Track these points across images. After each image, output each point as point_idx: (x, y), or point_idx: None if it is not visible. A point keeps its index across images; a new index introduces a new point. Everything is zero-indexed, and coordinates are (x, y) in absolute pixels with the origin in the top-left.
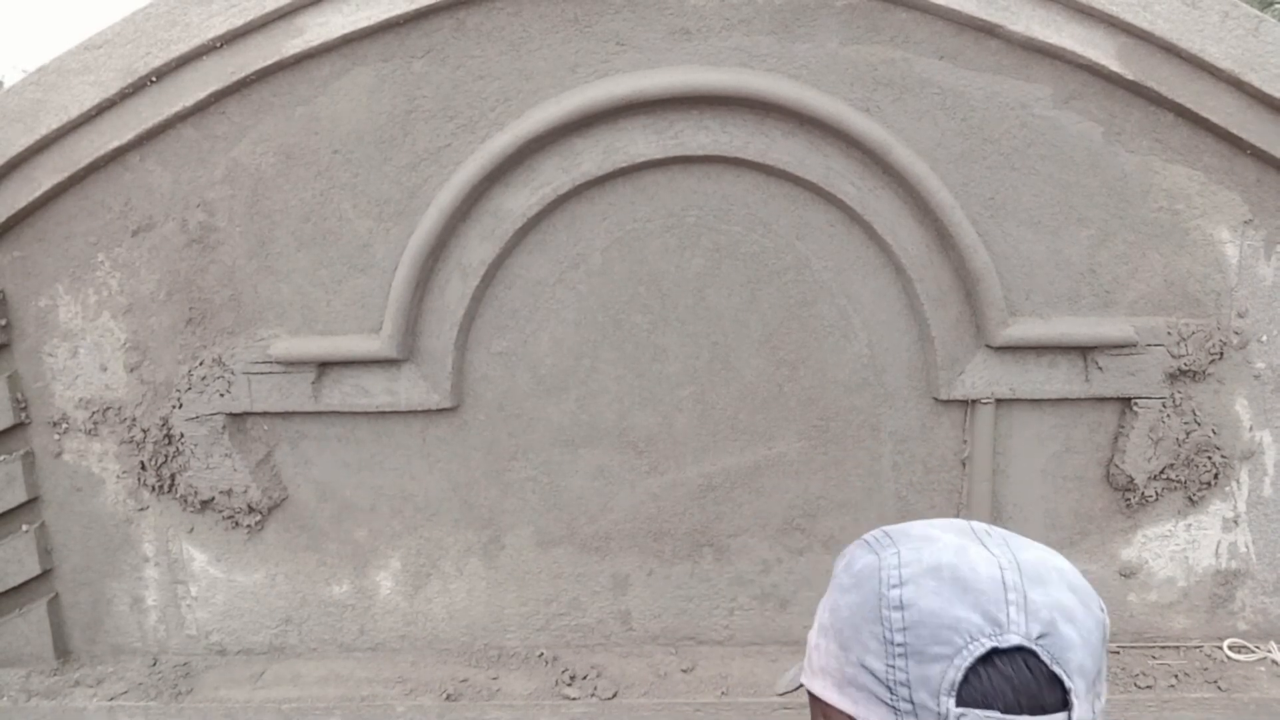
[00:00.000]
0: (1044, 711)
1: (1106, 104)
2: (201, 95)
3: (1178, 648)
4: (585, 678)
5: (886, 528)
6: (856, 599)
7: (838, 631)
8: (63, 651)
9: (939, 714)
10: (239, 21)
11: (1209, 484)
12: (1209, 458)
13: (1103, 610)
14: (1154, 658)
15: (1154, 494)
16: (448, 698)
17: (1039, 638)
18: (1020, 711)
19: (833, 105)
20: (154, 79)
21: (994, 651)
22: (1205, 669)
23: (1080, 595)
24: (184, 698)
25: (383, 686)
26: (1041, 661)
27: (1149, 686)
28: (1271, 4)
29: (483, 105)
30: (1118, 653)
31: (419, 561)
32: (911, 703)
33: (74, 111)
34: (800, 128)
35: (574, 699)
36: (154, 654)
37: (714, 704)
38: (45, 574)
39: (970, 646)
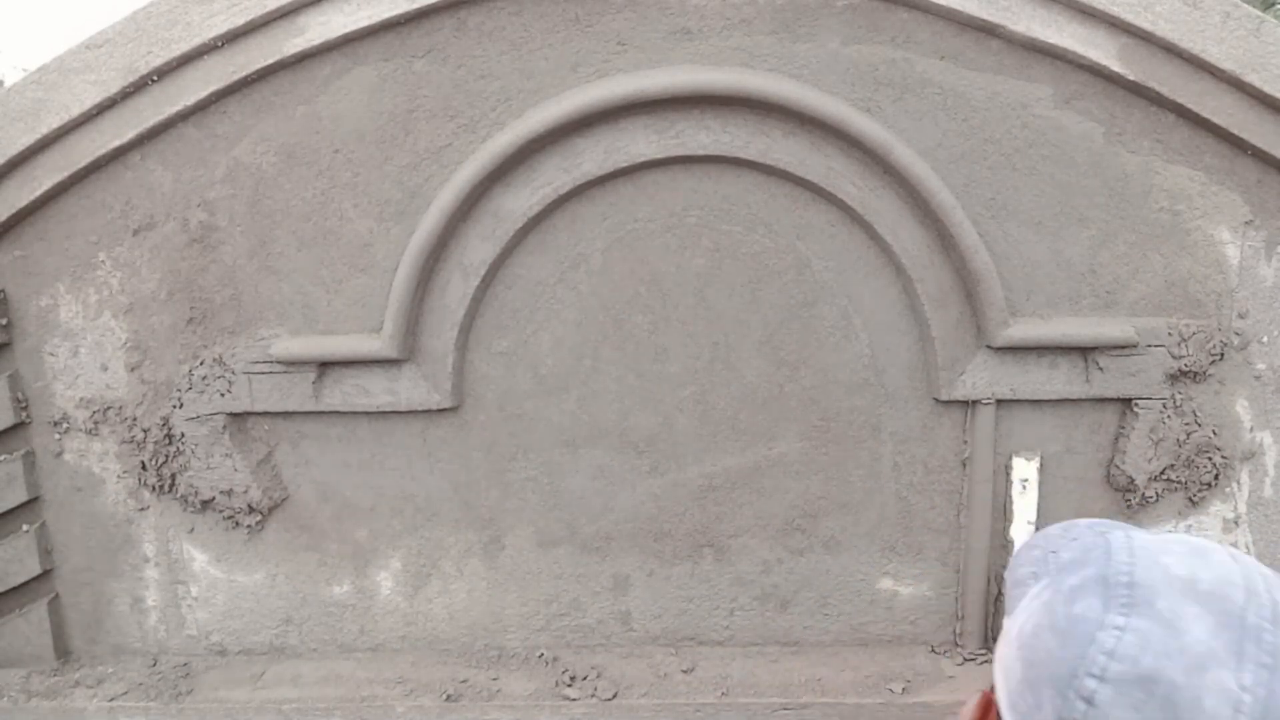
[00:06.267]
0: None
1: (1107, 104)
2: (203, 94)
3: None
4: (585, 678)
5: (1135, 564)
6: (1055, 647)
7: (1026, 661)
8: (63, 652)
9: None
10: (240, 20)
11: (1209, 485)
12: (1209, 458)
13: None
14: None
15: (1154, 495)
16: (448, 698)
17: None
18: None
19: (834, 105)
20: (155, 78)
21: None
22: None
23: None
24: (184, 698)
25: (383, 687)
26: None
27: None
28: (1273, 4)
29: (484, 105)
30: None
31: (419, 562)
32: None
33: (75, 110)
34: (801, 128)
35: (574, 699)
36: (154, 654)
37: (714, 704)
38: (45, 574)
39: None
